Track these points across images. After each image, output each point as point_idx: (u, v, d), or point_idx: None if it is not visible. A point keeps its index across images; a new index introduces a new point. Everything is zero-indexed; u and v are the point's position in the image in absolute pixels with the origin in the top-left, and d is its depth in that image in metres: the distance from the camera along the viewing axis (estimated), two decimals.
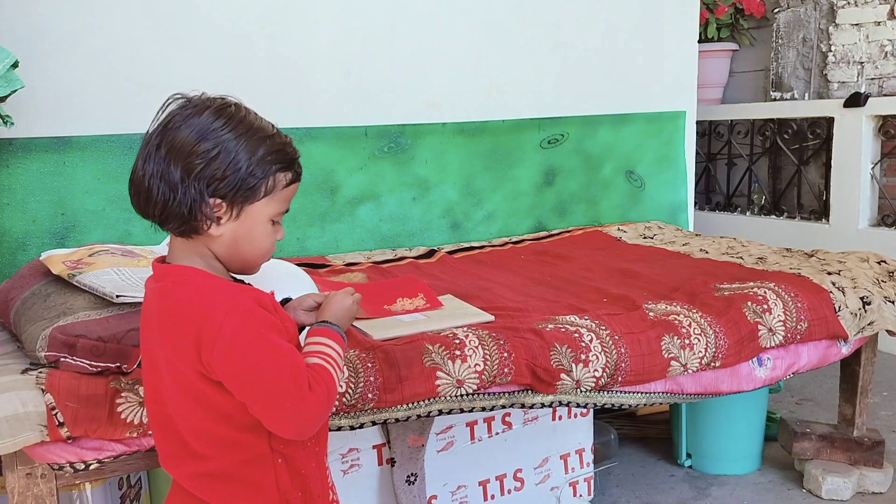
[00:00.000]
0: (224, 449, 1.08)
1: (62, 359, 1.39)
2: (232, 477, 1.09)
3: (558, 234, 2.98)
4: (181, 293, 1.06)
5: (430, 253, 2.65)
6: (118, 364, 1.41)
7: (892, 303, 2.12)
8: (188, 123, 1.05)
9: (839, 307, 2.02)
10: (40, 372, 1.38)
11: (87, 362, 1.40)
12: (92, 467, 1.40)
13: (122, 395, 1.39)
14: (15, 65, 1.83)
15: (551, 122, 3.03)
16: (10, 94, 1.82)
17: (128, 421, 1.38)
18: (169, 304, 1.06)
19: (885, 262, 2.26)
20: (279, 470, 1.10)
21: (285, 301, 1.24)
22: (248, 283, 1.16)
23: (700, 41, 3.46)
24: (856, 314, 2.04)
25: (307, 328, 1.18)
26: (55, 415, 1.33)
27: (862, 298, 2.07)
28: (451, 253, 2.67)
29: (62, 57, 2.22)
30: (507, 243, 2.84)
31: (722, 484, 2.33)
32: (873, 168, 3.64)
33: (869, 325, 2.07)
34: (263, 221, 1.09)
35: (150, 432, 1.39)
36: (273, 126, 1.11)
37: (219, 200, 1.05)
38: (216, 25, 2.43)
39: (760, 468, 2.42)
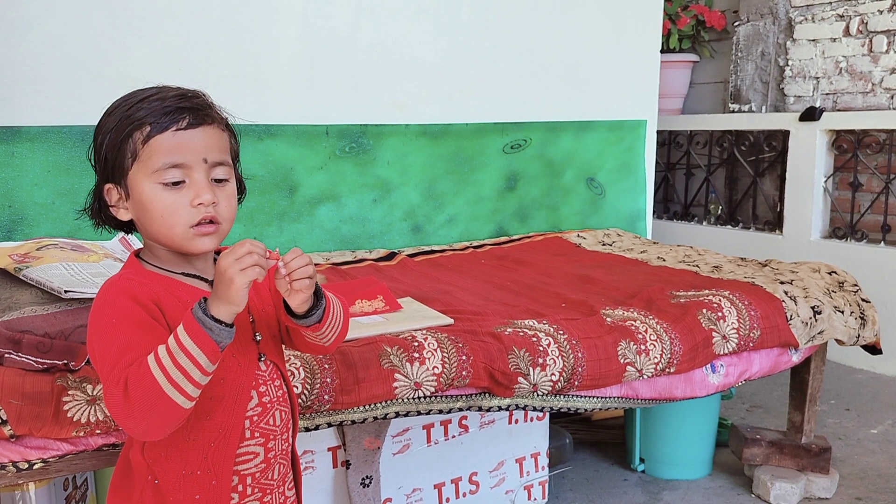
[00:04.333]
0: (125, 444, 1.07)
1: (6, 355, 1.35)
2: (114, 483, 1.07)
3: (518, 239, 2.99)
4: None
5: (391, 255, 2.64)
6: (65, 361, 1.37)
7: (842, 313, 2.17)
8: None
9: (791, 316, 2.06)
10: None
11: (33, 359, 1.35)
12: (36, 467, 1.36)
13: (69, 393, 1.35)
14: None
15: (514, 126, 3.04)
16: None
17: (74, 419, 1.34)
18: None
19: (835, 272, 2.32)
20: (145, 491, 1.02)
21: None
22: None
23: (662, 51, 3.51)
24: (807, 323, 2.09)
25: None
26: None
27: (813, 308, 2.11)
28: (411, 256, 2.66)
29: (12, 44, 2.16)
30: (467, 247, 2.84)
31: (673, 488, 2.35)
32: (826, 181, 3.73)
33: (819, 334, 2.12)
34: (148, 188, 0.99)
35: (97, 431, 1.37)
36: (155, 88, 1.02)
37: (108, 185, 1.03)
38: (174, 15, 2.38)
39: (711, 473, 2.45)
